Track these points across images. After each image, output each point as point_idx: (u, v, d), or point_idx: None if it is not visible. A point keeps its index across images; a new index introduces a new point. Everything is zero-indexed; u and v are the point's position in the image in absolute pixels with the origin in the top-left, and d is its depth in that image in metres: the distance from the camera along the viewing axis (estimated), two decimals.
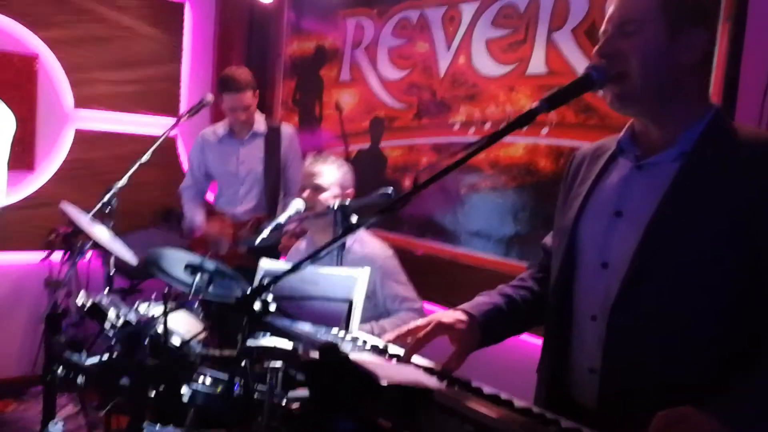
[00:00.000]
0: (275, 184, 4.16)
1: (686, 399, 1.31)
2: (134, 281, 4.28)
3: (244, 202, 4.16)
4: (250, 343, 1.63)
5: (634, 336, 1.48)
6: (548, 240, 1.86)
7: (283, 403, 1.79)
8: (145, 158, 3.35)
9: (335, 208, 2.20)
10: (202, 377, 2.13)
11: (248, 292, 1.56)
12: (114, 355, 2.39)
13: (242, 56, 5.06)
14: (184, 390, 2.08)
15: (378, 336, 1.93)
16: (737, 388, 1.36)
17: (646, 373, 1.47)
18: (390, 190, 2.13)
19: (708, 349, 1.44)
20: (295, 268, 1.58)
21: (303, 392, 2.30)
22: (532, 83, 3.21)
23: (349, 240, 2.65)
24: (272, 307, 1.61)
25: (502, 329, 1.73)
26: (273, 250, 3.97)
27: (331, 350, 1.27)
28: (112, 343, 2.35)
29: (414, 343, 1.60)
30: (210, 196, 4.42)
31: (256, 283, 2.07)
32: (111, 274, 3.15)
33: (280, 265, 2.07)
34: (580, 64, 3.01)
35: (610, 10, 1.55)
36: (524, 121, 1.45)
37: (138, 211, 4.45)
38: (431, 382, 1.31)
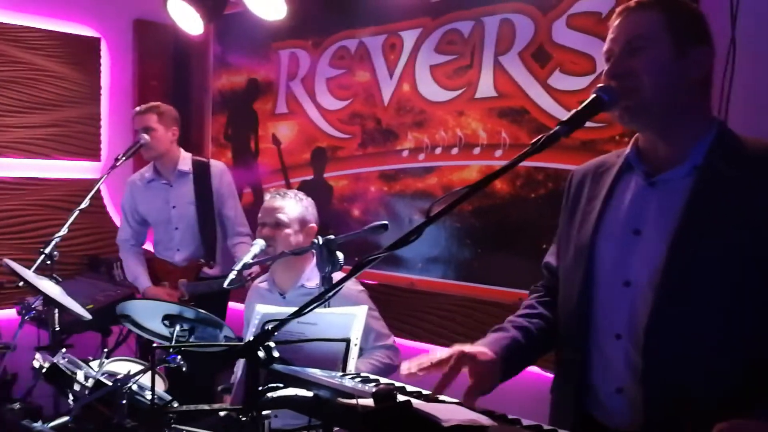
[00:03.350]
0: (211, 226, 3.91)
1: (728, 413, 1.32)
2: (62, 336, 4.00)
3: (181, 248, 3.88)
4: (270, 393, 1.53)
5: (671, 356, 1.48)
6: (551, 259, 1.83)
7: None
8: (84, 204, 3.17)
9: (320, 243, 2.12)
10: None
11: (252, 339, 1.48)
12: (78, 419, 2.21)
13: (165, 92, 4.87)
14: None
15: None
16: None
17: (688, 393, 1.46)
18: (385, 222, 2.07)
19: (746, 360, 1.46)
20: (301, 311, 1.51)
21: None
22: (482, 106, 3.25)
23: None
24: (276, 353, 1.54)
25: (520, 362, 1.69)
26: (221, 295, 3.80)
27: (388, 397, 1.20)
28: (81, 405, 2.16)
29: (442, 378, 1.54)
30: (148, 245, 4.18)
31: (254, 329, 1.96)
32: (56, 330, 2.93)
33: (277, 309, 1.97)
34: (530, 86, 3.07)
35: (613, 33, 1.57)
36: (545, 144, 1.45)
37: (61, 261, 4.16)
38: (483, 419, 1.26)
